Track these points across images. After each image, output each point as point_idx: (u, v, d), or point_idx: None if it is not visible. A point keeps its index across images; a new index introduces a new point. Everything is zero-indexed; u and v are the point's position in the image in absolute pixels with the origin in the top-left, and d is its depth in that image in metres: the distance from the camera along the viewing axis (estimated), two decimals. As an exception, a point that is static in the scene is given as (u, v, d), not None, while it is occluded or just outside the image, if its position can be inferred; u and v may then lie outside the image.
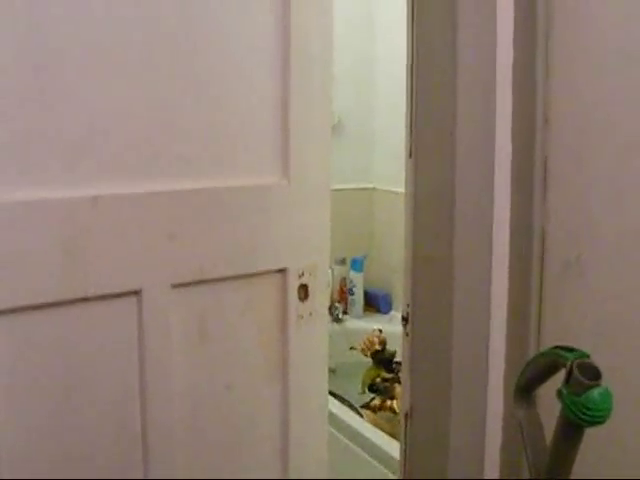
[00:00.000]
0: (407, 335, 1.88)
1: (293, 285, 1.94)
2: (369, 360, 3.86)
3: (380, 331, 3.91)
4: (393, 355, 3.79)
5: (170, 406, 1.77)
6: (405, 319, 1.87)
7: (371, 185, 4.58)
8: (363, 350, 3.86)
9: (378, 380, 3.77)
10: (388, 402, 3.59)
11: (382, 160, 4.50)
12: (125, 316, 1.69)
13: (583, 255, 1.65)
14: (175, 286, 1.75)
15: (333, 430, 2.99)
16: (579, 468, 1.26)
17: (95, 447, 1.68)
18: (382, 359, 3.82)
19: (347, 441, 3.12)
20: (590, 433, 1.20)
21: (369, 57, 4.50)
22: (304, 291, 1.96)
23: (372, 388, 3.78)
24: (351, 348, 3.90)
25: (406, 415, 1.89)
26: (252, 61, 1.82)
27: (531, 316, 1.72)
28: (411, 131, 1.80)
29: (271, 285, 1.93)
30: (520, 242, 1.73)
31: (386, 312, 4.48)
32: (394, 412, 3.47)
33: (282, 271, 1.93)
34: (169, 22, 1.68)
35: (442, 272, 1.78)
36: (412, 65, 1.80)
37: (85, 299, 1.62)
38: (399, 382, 3.55)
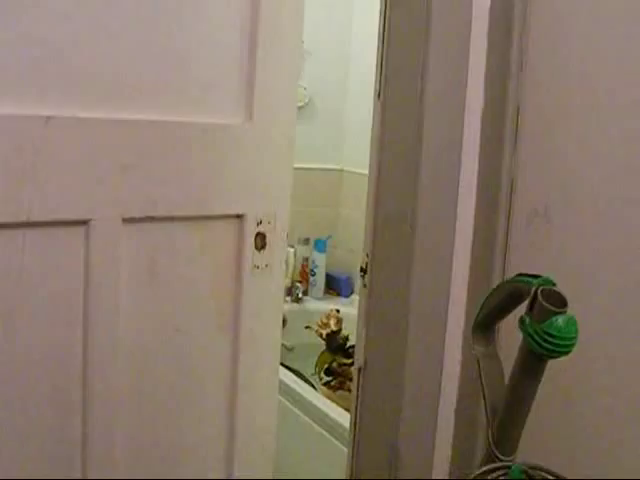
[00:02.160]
0: (365, 286, 1.81)
1: (250, 233, 1.87)
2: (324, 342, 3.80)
3: (337, 311, 3.84)
4: (346, 339, 3.73)
5: (115, 345, 1.69)
6: (364, 270, 1.81)
7: (339, 167, 4.51)
8: (318, 329, 3.79)
9: (334, 365, 3.70)
10: (347, 383, 3.53)
11: (352, 142, 4.44)
12: (71, 247, 1.61)
13: (551, 205, 1.59)
14: (126, 220, 1.67)
15: (286, 402, 2.93)
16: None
17: (31, 382, 1.60)
18: (336, 345, 3.75)
19: (300, 413, 3.06)
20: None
21: (345, 38, 4.43)
22: (261, 240, 1.89)
23: (328, 372, 3.71)
24: (307, 327, 3.84)
25: (359, 370, 1.83)
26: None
27: (495, 262, 1.67)
28: (380, 72, 1.74)
29: (227, 231, 1.85)
30: (488, 191, 1.68)
31: (347, 295, 4.43)
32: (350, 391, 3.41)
33: (239, 217, 1.85)
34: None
35: (403, 223, 1.72)
36: (385, 5, 1.74)
37: (29, 224, 1.54)
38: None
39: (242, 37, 1.77)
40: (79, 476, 1.69)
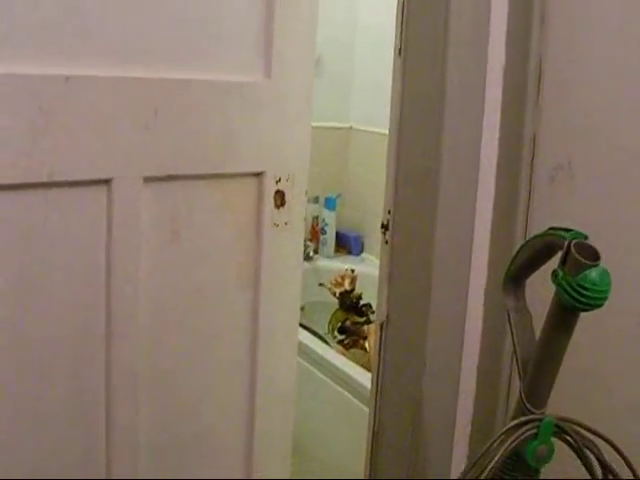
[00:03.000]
0: (386, 243, 1.81)
1: (269, 190, 1.86)
2: (336, 301, 3.80)
3: (352, 271, 3.85)
4: (359, 297, 3.74)
5: (136, 304, 1.69)
6: (385, 226, 1.80)
7: (348, 125, 4.49)
8: (331, 287, 3.80)
9: (348, 323, 3.71)
10: (361, 341, 3.54)
11: (360, 100, 4.43)
12: (93, 206, 1.61)
13: (574, 160, 1.59)
14: (147, 179, 1.66)
15: (302, 361, 2.93)
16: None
17: (54, 341, 1.60)
18: (349, 304, 3.76)
19: (317, 372, 3.06)
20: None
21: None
22: (280, 198, 1.88)
23: (341, 330, 3.72)
24: (320, 284, 3.84)
25: (382, 325, 1.83)
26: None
27: (518, 218, 1.66)
28: (401, 27, 1.73)
29: (247, 189, 1.85)
30: (510, 146, 1.67)
31: (357, 254, 4.43)
32: (365, 350, 3.42)
33: (259, 175, 1.85)
34: None
35: (425, 179, 1.72)
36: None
37: (51, 184, 1.53)
38: (369, 323, 3.51)
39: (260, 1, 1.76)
40: (102, 442, 1.70)
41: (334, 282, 3.79)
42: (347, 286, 3.78)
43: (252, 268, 1.88)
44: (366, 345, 3.46)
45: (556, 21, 1.64)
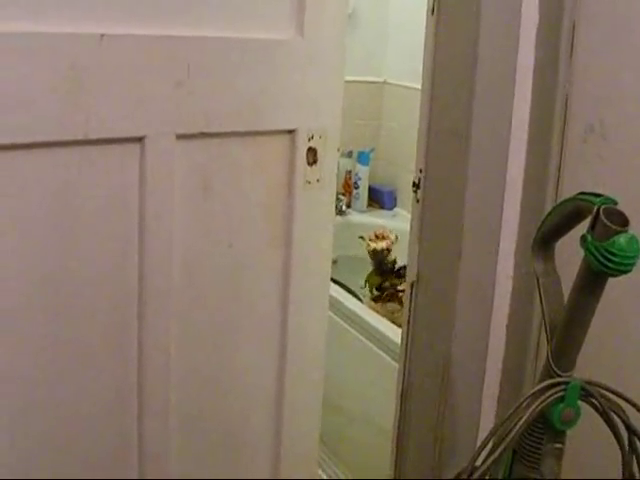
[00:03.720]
0: (417, 202, 1.81)
1: (302, 148, 1.87)
2: (368, 257, 3.78)
3: (397, 238, 3.78)
4: (394, 262, 3.71)
5: (169, 260, 1.71)
6: (416, 185, 1.81)
7: (382, 79, 4.47)
8: (369, 243, 3.76)
9: (386, 284, 3.69)
10: (399, 294, 3.52)
11: (395, 54, 4.40)
12: (127, 163, 1.62)
13: (606, 119, 1.58)
14: (180, 137, 1.67)
15: (333, 315, 2.94)
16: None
17: (88, 299, 1.63)
18: (384, 269, 3.73)
19: (347, 326, 3.08)
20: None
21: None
22: (313, 155, 1.89)
23: (379, 289, 3.70)
24: (361, 237, 3.81)
25: (412, 284, 1.84)
26: None
27: (549, 179, 1.66)
28: (434, -15, 1.72)
29: (279, 146, 1.85)
30: (542, 105, 1.66)
31: (390, 208, 4.43)
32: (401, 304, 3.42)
33: (291, 132, 1.85)
34: None
35: (457, 139, 1.72)
36: None
37: (86, 141, 1.54)
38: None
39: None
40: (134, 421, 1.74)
41: (372, 237, 3.76)
42: (384, 244, 3.74)
43: (284, 225, 1.89)
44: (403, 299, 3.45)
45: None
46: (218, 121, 1.72)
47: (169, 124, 1.65)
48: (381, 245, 3.72)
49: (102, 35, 1.51)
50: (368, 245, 3.74)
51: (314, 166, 1.89)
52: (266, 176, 1.84)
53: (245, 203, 1.82)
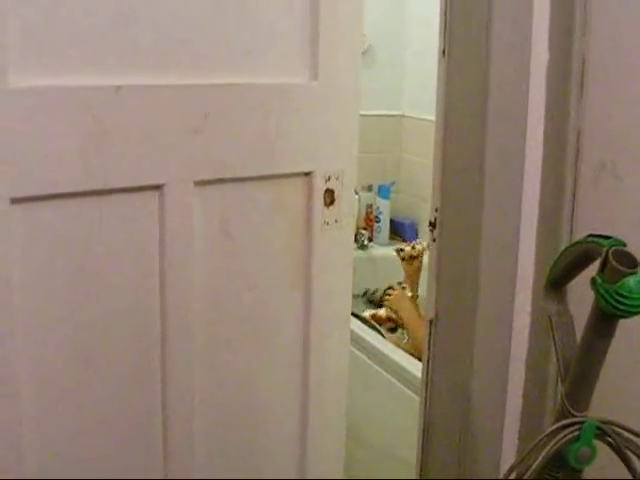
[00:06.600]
0: (434, 241, 1.83)
1: (319, 189, 1.89)
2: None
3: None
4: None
5: (190, 306, 1.74)
6: (432, 224, 1.83)
7: (400, 112, 4.50)
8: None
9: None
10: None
11: (412, 87, 4.42)
12: (146, 211, 1.66)
13: (619, 157, 1.59)
14: (198, 183, 1.70)
15: (353, 349, 2.96)
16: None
17: (112, 344, 1.66)
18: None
19: (368, 360, 3.10)
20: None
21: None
22: (330, 196, 1.91)
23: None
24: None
25: (431, 322, 1.85)
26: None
27: (563, 217, 1.67)
28: (445, 28, 1.74)
29: (296, 188, 1.88)
30: (555, 143, 1.68)
31: (412, 240, 4.42)
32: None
33: (308, 174, 1.88)
34: None
35: (472, 177, 1.74)
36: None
37: (105, 191, 1.58)
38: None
39: (305, 5, 1.78)
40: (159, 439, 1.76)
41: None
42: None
43: (304, 266, 1.91)
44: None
45: (599, 17, 1.64)
46: (235, 166, 1.75)
47: (187, 171, 1.68)
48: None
49: (118, 87, 1.55)
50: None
51: (332, 207, 1.92)
52: (284, 219, 1.86)
53: (264, 246, 1.85)
